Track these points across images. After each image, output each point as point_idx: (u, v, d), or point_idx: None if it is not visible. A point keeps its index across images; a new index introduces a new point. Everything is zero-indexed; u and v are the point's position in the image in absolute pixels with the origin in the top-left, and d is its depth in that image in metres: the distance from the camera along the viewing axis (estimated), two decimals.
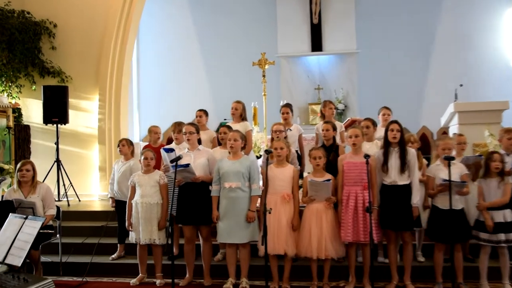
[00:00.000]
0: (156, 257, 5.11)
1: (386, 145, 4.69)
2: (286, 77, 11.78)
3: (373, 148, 5.25)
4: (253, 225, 4.72)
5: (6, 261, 3.27)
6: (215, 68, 12.27)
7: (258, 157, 6.35)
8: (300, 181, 5.12)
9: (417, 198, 4.59)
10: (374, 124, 5.52)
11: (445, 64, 11.46)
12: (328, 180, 4.66)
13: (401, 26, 11.68)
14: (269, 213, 4.33)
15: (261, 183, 4.88)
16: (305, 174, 5.62)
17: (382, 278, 4.76)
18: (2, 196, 6.74)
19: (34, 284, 2.88)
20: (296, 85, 11.78)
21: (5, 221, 3.72)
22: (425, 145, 10.22)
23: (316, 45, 11.66)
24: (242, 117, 5.95)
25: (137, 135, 11.70)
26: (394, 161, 4.61)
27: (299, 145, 6.08)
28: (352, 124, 6.83)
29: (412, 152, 4.68)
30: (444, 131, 9.54)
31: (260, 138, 7.18)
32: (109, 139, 8.90)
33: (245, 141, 4.94)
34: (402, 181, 4.60)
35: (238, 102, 6.01)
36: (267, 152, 4.69)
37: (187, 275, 5.06)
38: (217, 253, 5.52)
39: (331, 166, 4.87)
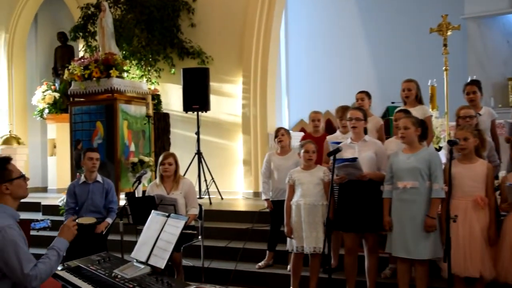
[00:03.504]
0: (313, 269, 5.19)
1: None
2: (475, 45, 11.02)
3: None
4: (434, 236, 4.52)
5: (149, 262, 3.62)
6: (379, 39, 11.98)
7: (437, 150, 6.06)
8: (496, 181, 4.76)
9: None
10: None
11: None
12: None
13: None
14: (454, 221, 4.09)
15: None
16: (501, 173, 5.21)
17: None
18: (144, 191, 7.55)
19: None
20: (490, 55, 10.98)
21: (147, 217, 4.11)
22: None
23: None
24: (419, 99, 5.71)
25: (286, 123, 12.02)
26: None
27: (491, 134, 5.66)
28: None
29: None
30: None
31: (440, 126, 6.84)
32: (254, 128, 9.27)
33: (421, 129, 4.72)
34: None
35: (410, 81, 5.79)
36: (451, 143, 4.42)
37: None
38: (385, 268, 5.43)
39: None
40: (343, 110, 5.64)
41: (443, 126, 7.09)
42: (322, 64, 12.33)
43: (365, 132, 5.08)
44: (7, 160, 3.30)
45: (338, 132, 5.80)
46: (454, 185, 4.43)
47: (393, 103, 9.33)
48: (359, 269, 5.06)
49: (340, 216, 4.93)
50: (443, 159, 5.30)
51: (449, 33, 7.39)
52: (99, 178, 6.01)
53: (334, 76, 12.06)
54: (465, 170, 4.46)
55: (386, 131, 6.10)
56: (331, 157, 4.68)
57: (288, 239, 5.26)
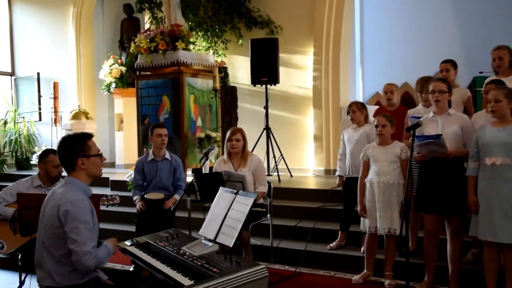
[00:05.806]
0: (389, 251, 5.16)
1: None
2: None
3: None
4: None
5: (218, 240, 3.71)
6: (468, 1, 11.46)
7: None
8: None
9: None
10: None
11: None
12: None
13: None
14: None
15: None
16: None
17: None
18: (211, 168, 7.71)
19: (247, 269, 3.19)
20: None
21: (214, 193, 4.21)
22: None
23: None
24: None
25: (360, 96, 11.84)
26: None
27: None
28: None
29: None
30: None
31: None
32: (326, 102, 9.20)
33: None
34: None
35: (500, 48, 5.52)
36: None
37: (425, 278, 4.98)
38: (467, 253, 5.30)
39: None
40: (423, 82, 5.50)
41: None
42: (400, 31, 11.95)
43: (449, 105, 4.93)
44: (88, 136, 3.46)
45: (420, 106, 5.67)
46: None
47: (481, 73, 8.98)
48: (440, 253, 4.96)
49: (421, 196, 4.85)
50: None
51: None
52: (167, 155, 6.17)
53: (414, 44, 11.67)
54: None
55: (473, 104, 5.86)
56: (406, 131, 4.59)
57: (361, 218, 5.25)
